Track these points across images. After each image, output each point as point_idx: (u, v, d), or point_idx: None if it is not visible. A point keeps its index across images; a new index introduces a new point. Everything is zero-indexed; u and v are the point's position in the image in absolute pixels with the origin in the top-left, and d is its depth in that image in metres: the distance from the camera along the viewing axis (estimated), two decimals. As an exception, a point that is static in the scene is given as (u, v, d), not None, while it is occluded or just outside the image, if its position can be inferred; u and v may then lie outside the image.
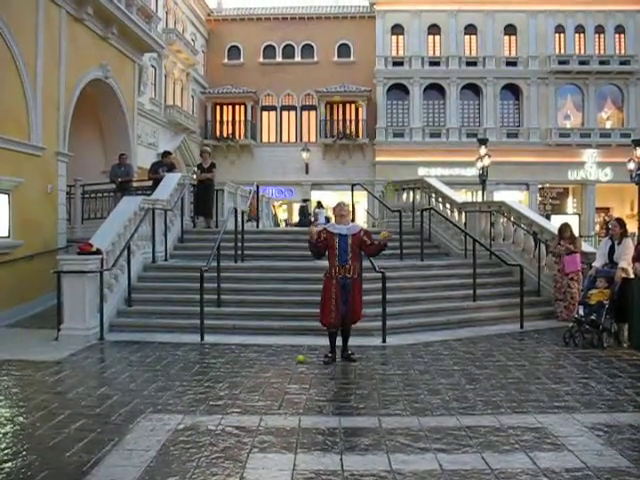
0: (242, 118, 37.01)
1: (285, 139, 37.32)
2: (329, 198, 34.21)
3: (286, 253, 13.28)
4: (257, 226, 17.66)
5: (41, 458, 4.80)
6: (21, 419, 5.80)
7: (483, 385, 7.03)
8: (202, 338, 9.76)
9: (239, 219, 13.10)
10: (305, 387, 6.93)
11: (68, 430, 5.46)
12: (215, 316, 10.53)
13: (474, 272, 11.88)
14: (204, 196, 15.55)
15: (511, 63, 35.74)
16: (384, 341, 9.62)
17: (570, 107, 36.04)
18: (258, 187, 18.04)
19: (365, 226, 28.11)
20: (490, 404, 6.26)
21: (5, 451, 4.95)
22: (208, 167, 15.72)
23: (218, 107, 37.38)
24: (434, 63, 35.77)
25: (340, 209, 8.57)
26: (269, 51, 37.43)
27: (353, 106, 36.45)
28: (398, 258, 13.25)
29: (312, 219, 25.67)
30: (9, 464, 4.68)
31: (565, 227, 12.28)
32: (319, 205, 27.04)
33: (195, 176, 16.05)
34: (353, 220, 16.10)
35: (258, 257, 13.20)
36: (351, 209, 19.15)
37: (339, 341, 8.44)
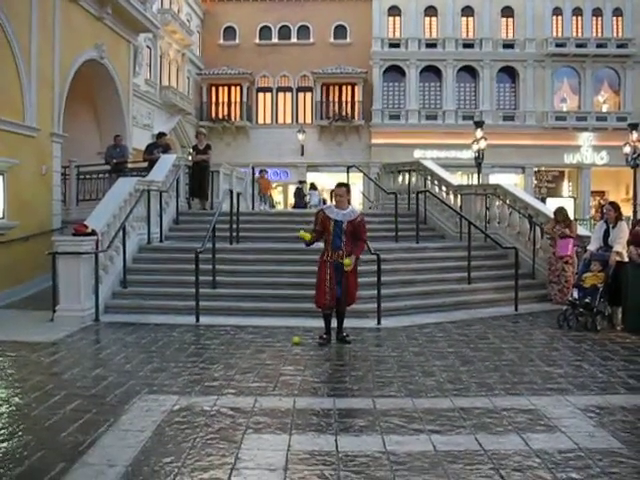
0: (238, 99, 36.82)
1: (281, 121, 37.16)
2: (325, 180, 34.18)
3: (282, 235, 13.28)
4: (271, 207, 17.53)
5: (37, 438, 4.81)
6: (17, 400, 5.81)
7: (477, 367, 7.06)
8: (197, 319, 9.77)
9: (234, 201, 13.07)
10: (300, 369, 6.95)
11: (64, 411, 5.46)
12: (210, 298, 10.54)
13: (469, 255, 11.90)
14: (199, 178, 15.50)
15: (508, 45, 35.54)
16: (379, 323, 9.64)
17: (566, 90, 35.91)
18: (254, 169, 18.01)
19: (361, 208, 28.25)
20: (484, 386, 6.29)
21: (1, 431, 4.96)
22: (203, 148, 15.65)
23: (213, 88, 37.17)
24: (431, 45, 35.56)
25: (337, 191, 8.46)
26: (265, 32, 37.15)
27: (349, 88, 36.29)
28: (393, 240, 13.27)
29: (307, 201, 25.66)
30: (5, 444, 4.69)
31: (560, 210, 12.29)
32: (312, 187, 26.99)
33: (190, 157, 15.99)
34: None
35: (253, 239, 13.20)
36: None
37: (334, 323, 8.46)
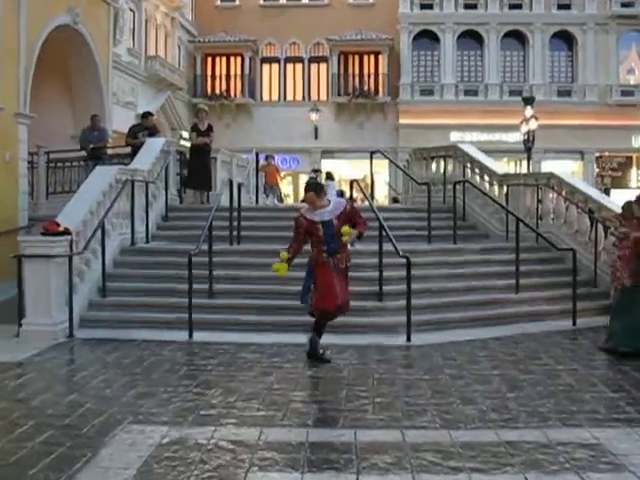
0: (238, 72, 36.95)
1: (290, 97, 37.24)
2: (343, 168, 34.24)
3: (291, 234, 13.25)
4: (279, 201, 17.56)
5: (0, 477, 4.85)
6: (-24, 430, 5.85)
7: (527, 393, 7.04)
8: (191, 335, 9.81)
9: (235, 193, 13.09)
10: (314, 394, 6.96)
11: (32, 444, 5.49)
12: (206, 309, 10.58)
13: (517, 258, 11.86)
14: (201, 165, 15.51)
15: (563, 6, 35.40)
16: (409, 339, 9.63)
17: (635, 59, 35.72)
18: (258, 155, 18.04)
19: (386, 202, 28.19)
20: (536, 415, 6.26)
21: (-42, 468, 5.00)
22: (205, 129, 15.65)
23: (209, 59, 37.33)
24: (470, 6, 35.49)
25: (305, 199, 8.58)
26: (271, -9, 37.33)
27: (372, 58, 36.31)
28: (426, 240, 13.25)
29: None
30: (-38, 483, 4.73)
31: (629, 205, 12.17)
32: (328, 176, 27.02)
33: (191, 140, 15.99)
34: (351, 197, 16.15)
35: (258, 239, 13.20)
36: (369, 181, 19.15)
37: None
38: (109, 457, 5.20)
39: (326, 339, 9.26)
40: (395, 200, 27.88)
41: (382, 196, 32.38)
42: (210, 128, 15.76)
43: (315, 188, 8.57)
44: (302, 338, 9.60)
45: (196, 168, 15.54)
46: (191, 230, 12.75)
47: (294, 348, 9.12)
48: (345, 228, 8.10)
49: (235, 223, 12.88)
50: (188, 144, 16.30)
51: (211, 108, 35.82)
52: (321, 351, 8.45)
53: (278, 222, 14.16)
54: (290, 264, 8.48)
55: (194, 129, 15.82)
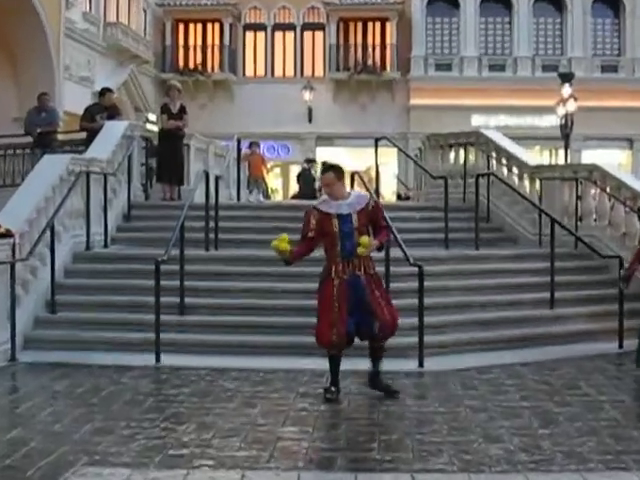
0: (216, 42, 37.00)
1: (279, 73, 37.31)
2: (343, 158, 34.11)
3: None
4: (263, 197, 17.59)
5: None
6: None
7: (564, 429, 7.03)
8: (158, 359, 9.79)
9: (211, 188, 13.10)
10: (307, 430, 6.94)
11: (-34, 489, 5.49)
12: (177, 328, 10.59)
13: (552, 267, 11.87)
14: (172, 154, 15.52)
15: (609, -37, 35.59)
16: (421, 365, 9.65)
17: (696, 28, 35.84)
18: (240, 142, 18.02)
19: (394, 199, 28.18)
20: (573, 456, 6.26)
21: None
22: (178, 111, 15.67)
23: (181, 26, 37.36)
24: (496, -38, 35.69)
25: (322, 180, 8.52)
26: (255, -58, 37.37)
27: (378, 25, 36.35)
28: (442, 246, 13.25)
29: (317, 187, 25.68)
30: None
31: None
32: (324, 168, 27.05)
33: (161, 124, 15.99)
34: (377, 190, 16.13)
35: (240, 243, 13.24)
36: (373, 174, 19.15)
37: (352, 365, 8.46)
38: (59, 506, 5.20)
39: (323, 364, 9.27)
40: (399, 197, 27.95)
41: (389, 192, 32.35)
42: (183, 109, 15.75)
43: (334, 168, 8.42)
44: (294, 362, 9.63)
45: (166, 157, 15.54)
46: (159, 232, 12.72)
47: (283, 375, 9.13)
48: (364, 239, 7.94)
49: (212, 224, 12.88)
50: (156, 128, 16.28)
51: (183, 85, 35.61)
52: (384, 381, 8.37)
53: (264, 223, 14.17)
54: (291, 261, 8.44)
55: (164, 110, 15.78)
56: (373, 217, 8.27)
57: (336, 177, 8.26)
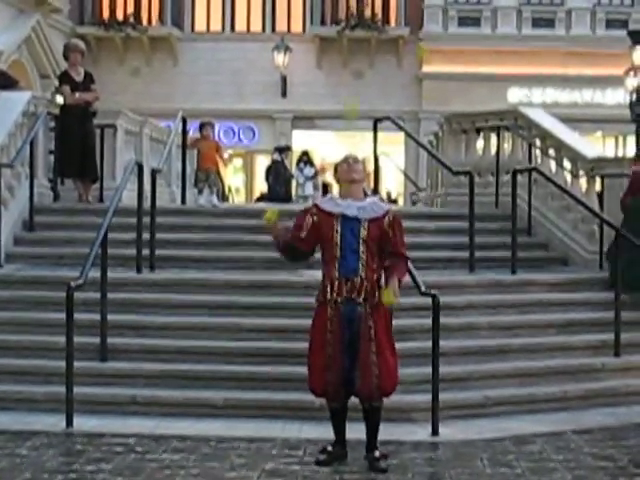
0: (155, -17, 37.03)
1: (241, 27, 37.27)
2: (329, 145, 34.27)
3: (241, 255, 13.34)
4: (219, 199, 17.61)
5: None
6: None
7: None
8: (70, 422, 9.74)
9: (146, 186, 13.11)
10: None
11: None
12: (97, 378, 10.59)
13: (617, 298, 11.93)
14: (80, 139, 15.57)
15: None
16: (435, 433, 9.64)
17: None
18: (186, 121, 18.01)
19: (401, 202, 28.23)
20: None
21: None
22: (83, 79, 15.78)
23: (107, -39, 37.39)
24: None
25: (349, 168, 8.61)
26: None
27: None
28: (465, 268, 13.31)
29: (295, 184, 25.76)
30: None
31: None
32: (303, 159, 27.06)
33: (60, 99, 16.01)
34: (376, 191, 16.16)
35: (185, 262, 13.28)
36: (371, 168, 19.23)
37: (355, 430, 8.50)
38: None
39: (300, 431, 9.30)
40: (390, 199, 28.14)
41: (394, 192, 32.50)
42: (90, 77, 15.87)
43: (364, 164, 8.72)
44: (259, 428, 9.64)
45: (73, 143, 15.58)
46: (72, 246, 12.78)
47: (244, 445, 9.13)
48: (388, 293, 8.19)
49: (146, 236, 12.90)
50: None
51: (106, 42, 35.91)
52: (377, 453, 8.42)
53: (219, 234, 14.21)
54: (278, 239, 8.60)
55: (65, 80, 15.93)
56: (387, 235, 8.41)
57: (365, 172, 8.47)
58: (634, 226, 12.66)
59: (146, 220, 12.95)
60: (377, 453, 8.46)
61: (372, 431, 8.50)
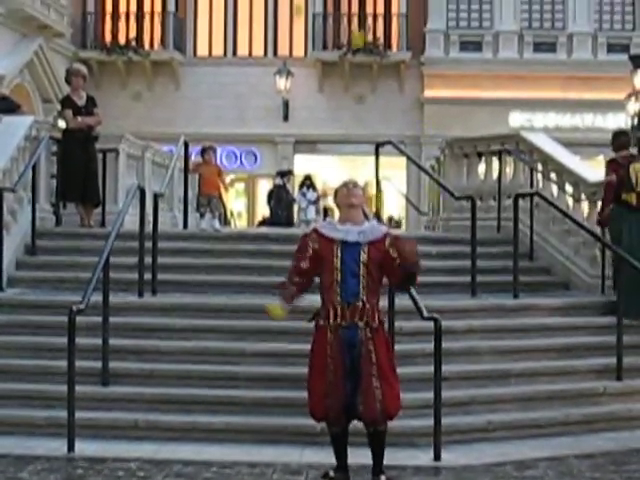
0: (157, 9, 37.03)
1: (243, 51, 37.33)
2: (330, 170, 34.28)
3: (243, 279, 13.35)
4: (220, 223, 17.60)
5: None
6: None
7: None
8: (71, 447, 9.71)
9: (148, 210, 13.12)
10: None
11: None
12: (99, 403, 10.56)
13: (619, 323, 11.91)
14: (83, 163, 15.58)
15: None
16: (437, 457, 9.61)
17: None
18: (188, 146, 18.03)
19: (403, 228, 28.20)
20: None
21: None
22: (86, 104, 15.83)
23: (109, -13, 37.51)
24: None
25: (349, 193, 8.66)
26: None
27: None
28: (467, 292, 13.33)
29: (297, 209, 25.76)
30: None
31: None
32: (306, 184, 27.07)
33: (62, 123, 16.04)
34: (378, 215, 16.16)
35: (187, 287, 13.27)
36: (372, 193, 19.23)
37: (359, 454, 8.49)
38: None
39: (301, 456, 9.28)
40: (391, 221, 28.17)
41: (395, 215, 32.50)
42: (92, 101, 15.91)
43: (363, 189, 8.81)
44: (262, 453, 9.62)
45: (73, 167, 15.59)
46: (74, 271, 12.76)
47: (246, 470, 9.10)
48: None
49: (148, 260, 12.91)
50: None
51: (109, 67, 35.94)
52: (383, 477, 8.51)
53: (221, 259, 14.21)
54: (293, 301, 8.67)
55: (66, 104, 15.95)
56: (388, 259, 8.44)
57: (364, 197, 8.50)
58: (613, 233, 13.23)
59: (148, 244, 12.95)
60: (383, 478, 8.48)
61: (378, 456, 8.52)
